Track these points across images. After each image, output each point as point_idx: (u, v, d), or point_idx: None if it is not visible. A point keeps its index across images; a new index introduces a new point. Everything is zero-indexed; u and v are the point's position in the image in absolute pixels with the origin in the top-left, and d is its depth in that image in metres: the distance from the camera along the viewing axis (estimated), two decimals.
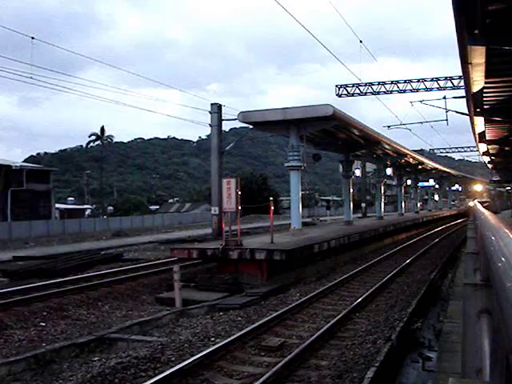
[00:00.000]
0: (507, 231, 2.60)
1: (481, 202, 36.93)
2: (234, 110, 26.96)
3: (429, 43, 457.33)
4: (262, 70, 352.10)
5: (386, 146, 32.67)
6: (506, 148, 24.43)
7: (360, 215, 49.48)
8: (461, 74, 13.69)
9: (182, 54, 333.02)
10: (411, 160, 42.14)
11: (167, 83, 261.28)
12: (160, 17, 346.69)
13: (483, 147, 26.80)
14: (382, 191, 40.74)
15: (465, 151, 61.25)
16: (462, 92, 18.20)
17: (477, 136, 21.92)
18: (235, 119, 23.90)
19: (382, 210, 39.28)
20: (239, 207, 16.75)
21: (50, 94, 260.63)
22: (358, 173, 49.57)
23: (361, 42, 26.57)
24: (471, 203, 68.10)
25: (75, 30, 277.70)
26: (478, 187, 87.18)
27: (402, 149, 35.92)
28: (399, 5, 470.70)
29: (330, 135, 27.29)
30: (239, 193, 16.54)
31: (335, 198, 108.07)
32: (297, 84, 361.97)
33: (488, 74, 11.31)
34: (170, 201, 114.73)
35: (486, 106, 15.25)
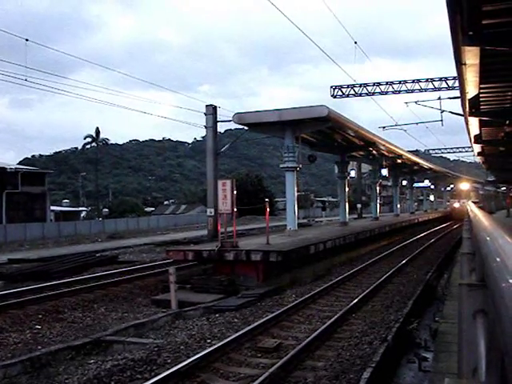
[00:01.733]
0: (502, 232, 2.60)
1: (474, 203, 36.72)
2: (229, 111, 26.89)
3: (419, 44, 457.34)
4: (253, 71, 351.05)
5: (381, 147, 32.74)
6: (501, 148, 24.51)
7: (356, 216, 49.50)
8: (455, 74, 13.74)
9: (173, 56, 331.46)
10: (406, 160, 42.22)
11: (158, 85, 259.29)
12: (150, 18, 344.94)
13: (478, 148, 26.92)
14: (378, 192, 40.80)
15: (460, 152, 61.36)
16: (457, 93, 18.26)
17: (472, 136, 22.00)
18: (230, 121, 23.90)
19: (378, 210, 39.34)
20: (235, 209, 16.74)
21: (42, 95, 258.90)
22: (353, 174, 49.56)
23: (355, 42, 26.61)
24: (456, 204, 66.59)
25: (63, 32, 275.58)
26: (464, 186, 74.10)
27: (397, 149, 36.01)
28: (388, 5, 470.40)
29: (325, 136, 27.35)
30: (235, 194, 16.54)
31: (331, 199, 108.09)
32: (289, 85, 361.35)
33: (482, 74, 11.36)
34: (166, 203, 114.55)
35: (480, 107, 15.31)
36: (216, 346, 8.72)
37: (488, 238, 2.57)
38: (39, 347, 9.86)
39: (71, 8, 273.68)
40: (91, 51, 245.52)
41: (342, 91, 32.11)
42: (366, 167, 49.07)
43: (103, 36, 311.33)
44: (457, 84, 19.33)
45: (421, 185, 61.49)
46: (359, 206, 50.91)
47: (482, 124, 18.39)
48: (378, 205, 40.40)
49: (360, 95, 32.15)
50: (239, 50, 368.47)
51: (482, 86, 12.68)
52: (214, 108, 27.23)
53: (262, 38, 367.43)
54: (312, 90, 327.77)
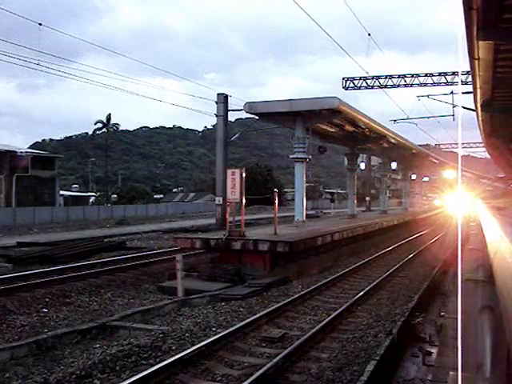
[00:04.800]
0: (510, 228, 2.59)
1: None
2: (240, 100, 26.82)
3: (429, 37, 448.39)
4: (259, 60, 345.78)
5: (392, 140, 32.57)
6: None
7: (364, 209, 49.37)
8: (468, 69, 13.62)
9: (178, 43, 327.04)
10: (416, 154, 42.01)
11: (165, 72, 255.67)
12: (156, 4, 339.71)
13: (489, 143, 26.73)
14: (387, 185, 40.66)
15: (471, 147, 60.86)
16: (470, 87, 18.10)
17: (483, 132, 21.85)
18: (241, 110, 23.82)
19: (386, 204, 39.22)
20: (243, 198, 16.75)
21: (50, 80, 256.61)
22: (362, 166, 49.36)
23: (369, 34, 26.32)
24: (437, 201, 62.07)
25: (69, 17, 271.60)
26: (450, 174, 51.68)
27: (407, 143, 35.81)
28: None
29: (335, 128, 27.24)
30: (244, 183, 16.54)
31: (339, 191, 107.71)
32: (295, 76, 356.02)
33: (496, 69, 11.25)
34: (174, 190, 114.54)
35: (493, 103, 15.18)
36: (221, 335, 8.76)
37: (496, 234, 2.56)
38: (46, 330, 9.96)
39: None
40: (97, 36, 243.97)
41: (353, 83, 31.93)
42: (375, 160, 48.89)
43: (109, 22, 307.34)
44: (470, 79, 19.15)
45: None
46: (368, 198, 50.78)
47: (493, 120, 18.25)
48: (387, 198, 40.28)
49: (372, 88, 31.95)
50: (245, 38, 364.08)
51: (494, 81, 12.56)
52: (226, 97, 27.11)
53: (268, 26, 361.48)
54: (319, 81, 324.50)
